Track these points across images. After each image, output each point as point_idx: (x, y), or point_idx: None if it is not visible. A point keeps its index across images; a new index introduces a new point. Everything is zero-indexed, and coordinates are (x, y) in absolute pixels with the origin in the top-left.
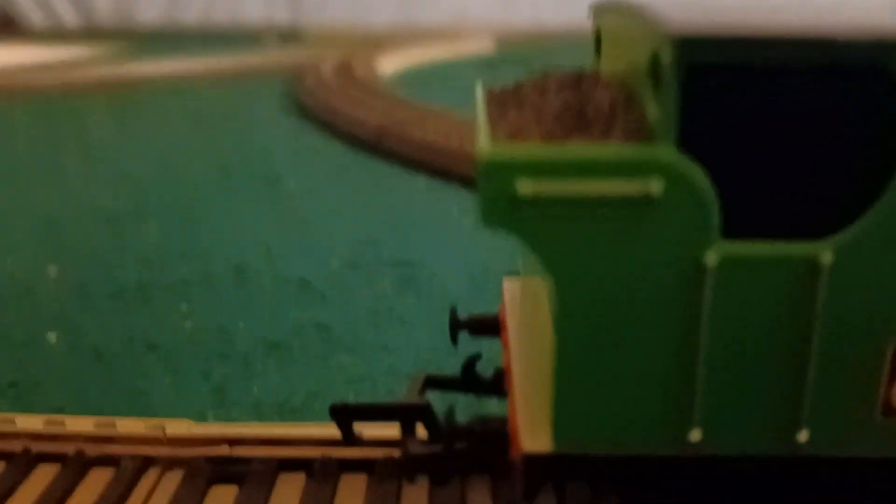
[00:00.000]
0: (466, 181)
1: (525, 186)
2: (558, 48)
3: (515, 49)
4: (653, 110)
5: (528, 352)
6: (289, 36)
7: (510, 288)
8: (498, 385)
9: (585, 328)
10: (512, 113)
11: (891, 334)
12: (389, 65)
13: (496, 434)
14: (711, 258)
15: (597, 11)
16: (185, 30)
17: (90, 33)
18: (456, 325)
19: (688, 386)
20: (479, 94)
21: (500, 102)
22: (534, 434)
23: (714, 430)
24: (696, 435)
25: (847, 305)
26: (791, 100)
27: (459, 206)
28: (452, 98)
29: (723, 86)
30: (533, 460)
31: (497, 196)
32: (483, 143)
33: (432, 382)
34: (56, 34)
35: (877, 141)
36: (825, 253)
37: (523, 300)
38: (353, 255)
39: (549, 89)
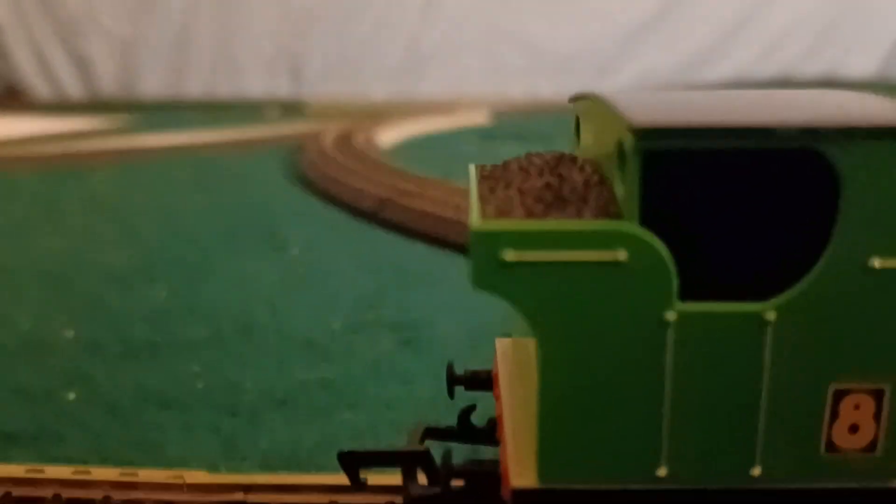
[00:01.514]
0: (462, 248)
1: (510, 255)
2: (551, 119)
3: (510, 120)
4: (619, 190)
5: (517, 401)
6: (290, 108)
7: (502, 346)
8: (491, 433)
9: (566, 376)
10: (499, 191)
11: (830, 380)
12: (388, 136)
13: (489, 474)
14: (671, 315)
15: (575, 100)
16: (188, 102)
17: (94, 105)
18: (452, 380)
19: (655, 427)
20: (471, 171)
21: (489, 179)
22: (522, 471)
23: (678, 467)
24: (662, 471)
25: (790, 356)
26: (736, 179)
27: (456, 270)
28: (449, 168)
29: (676, 168)
30: (521, 494)
31: (487, 262)
32: (474, 217)
33: (431, 433)
34: (60, 105)
35: (812, 213)
36: (769, 311)
37: (513, 357)
38: (355, 316)
39: (532, 169)
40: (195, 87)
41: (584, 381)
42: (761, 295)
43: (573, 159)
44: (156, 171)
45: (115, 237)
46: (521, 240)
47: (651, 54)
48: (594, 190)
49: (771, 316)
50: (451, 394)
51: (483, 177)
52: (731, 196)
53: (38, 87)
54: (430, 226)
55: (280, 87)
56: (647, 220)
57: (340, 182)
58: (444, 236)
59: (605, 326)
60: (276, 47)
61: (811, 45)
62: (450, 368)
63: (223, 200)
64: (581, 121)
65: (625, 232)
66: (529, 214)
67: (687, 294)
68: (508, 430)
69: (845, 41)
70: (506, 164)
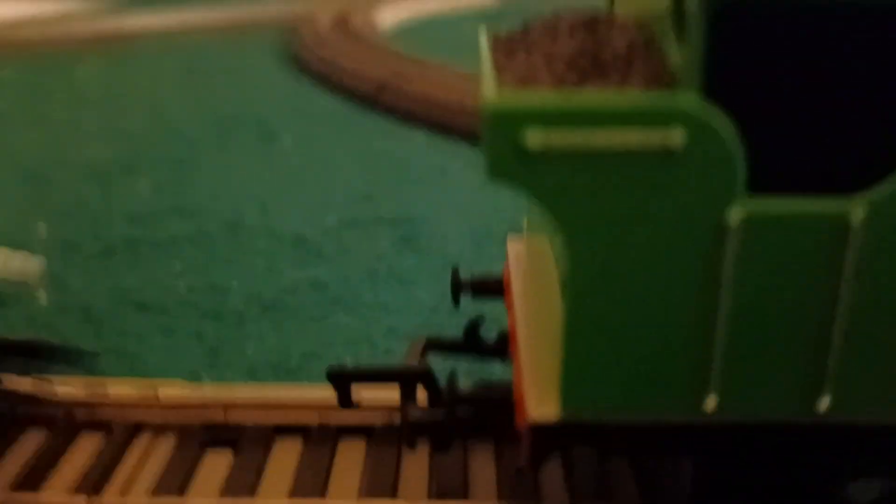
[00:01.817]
0: (467, 136)
1: (535, 137)
2: (561, 2)
3: (518, 1)
4: (675, 55)
5: (534, 315)
6: None
7: (515, 247)
8: (502, 348)
9: (598, 289)
10: (520, 58)
11: None
12: (388, 17)
13: (500, 401)
14: (735, 214)
15: None
16: None
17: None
18: (458, 286)
19: (705, 351)
20: (483, 39)
21: (507, 48)
22: (541, 401)
23: (730, 397)
24: (711, 402)
25: (878, 266)
26: (827, 43)
27: (460, 161)
28: (453, 51)
29: (752, 29)
30: (540, 429)
31: (504, 148)
32: (488, 90)
33: (434, 345)
34: None
35: None
36: (857, 209)
37: (529, 260)
38: (350, 212)
39: (560, 31)
40: None
41: (621, 293)
42: (845, 191)
43: (611, 19)
44: (143, 61)
45: (99, 131)
46: (550, 117)
47: None
48: (640, 56)
49: (858, 216)
50: (456, 301)
51: (499, 44)
52: (814, 67)
53: None
54: (431, 111)
55: None
56: (710, 94)
57: (337, 65)
58: (446, 123)
59: (650, 227)
60: None
61: None
62: (455, 273)
63: (213, 90)
64: None
65: (683, 108)
66: (559, 84)
67: (754, 187)
68: (524, 348)
69: None
70: (527, 27)
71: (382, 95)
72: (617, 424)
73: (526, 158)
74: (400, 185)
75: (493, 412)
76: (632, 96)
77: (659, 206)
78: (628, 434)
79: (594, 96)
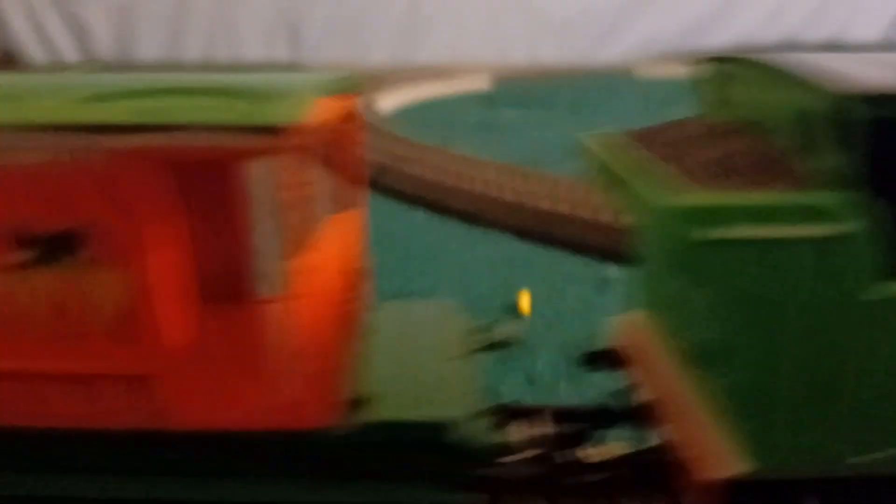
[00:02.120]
0: (463, 215)
1: (706, 232)
2: (552, 85)
3: (511, 86)
4: (820, 159)
5: (679, 384)
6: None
7: (624, 325)
8: (639, 416)
9: (762, 360)
10: (659, 164)
11: None
12: (388, 102)
13: (661, 462)
14: (873, 295)
15: (708, 62)
16: (186, 67)
17: (90, 68)
18: (583, 360)
19: (859, 413)
20: (592, 143)
21: (631, 151)
22: (719, 460)
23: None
24: (854, 458)
25: None
26: None
27: (457, 239)
28: (449, 134)
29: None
30: (720, 485)
31: (677, 241)
32: (655, 193)
33: (565, 415)
34: (56, 69)
35: None
36: None
37: (643, 337)
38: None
39: (689, 140)
40: (193, 51)
41: (781, 363)
42: None
43: (726, 128)
44: None
45: None
46: (720, 216)
47: (653, 20)
48: (772, 160)
49: None
50: (586, 372)
51: (621, 149)
52: None
53: (35, 52)
54: (429, 192)
55: (279, 52)
56: (861, 190)
57: None
58: (443, 203)
59: (807, 306)
60: (274, 12)
61: (814, 10)
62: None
63: None
64: (719, 85)
65: (831, 204)
66: (717, 188)
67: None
68: (682, 414)
69: (850, 6)
70: (642, 136)
71: (383, 177)
72: (793, 478)
73: (697, 250)
74: (400, 262)
75: (656, 473)
76: (794, 196)
77: (815, 286)
78: (805, 485)
79: (760, 197)
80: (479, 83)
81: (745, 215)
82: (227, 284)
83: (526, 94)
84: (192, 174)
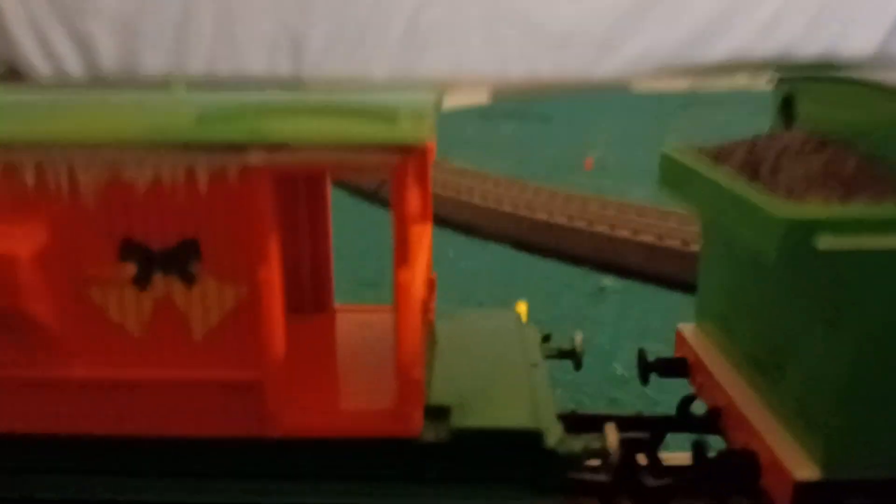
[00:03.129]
0: (462, 227)
1: (826, 242)
2: (550, 99)
3: (510, 99)
4: None
5: (746, 391)
6: (291, 87)
7: (689, 334)
8: (712, 423)
9: (870, 367)
10: (765, 176)
11: None
12: None
13: (743, 465)
14: None
15: (784, 82)
16: (189, 80)
17: (95, 83)
18: (646, 366)
19: None
20: (676, 154)
21: (726, 163)
22: (802, 463)
23: None
24: None
25: None
26: None
27: (457, 249)
28: (448, 147)
29: None
30: (805, 487)
31: (797, 250)
32: (774, 204)
33: (639, 422)
34: (61, 83)
35: None
36: None
37: (708, 344)
38: (354, 298)
39: (788, 153)
40: (196, 65)
41: (883, 370)
42: None
43: (819, 141)
44: None
45: None
46: (837, 226)
47: (649, 33)
48: (871, 172)
49: None
50: (644, 379)
51: (716, 160)
52: None
53: (39, 66)
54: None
55: (280, 66)
56: None
57: None
58: (443, 216)
59: None
60: (277, 26)
61: (810, 23)
62: (642, 355)
63: None
64: (798, 100)
65: None
66: (827, 200)
67: None
68: (755, 421)
69: (844, 20)
70: (723, 151)
71: (383, 190)
72: (877, 481)
73: (815, 258)
74: None
75: (740, 475)
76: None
77: None
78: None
79: (869, 208)
80: (477, 97)
81: (865, 226)
82: (307, 294)
83: (524, 107)
84: (290, 189)
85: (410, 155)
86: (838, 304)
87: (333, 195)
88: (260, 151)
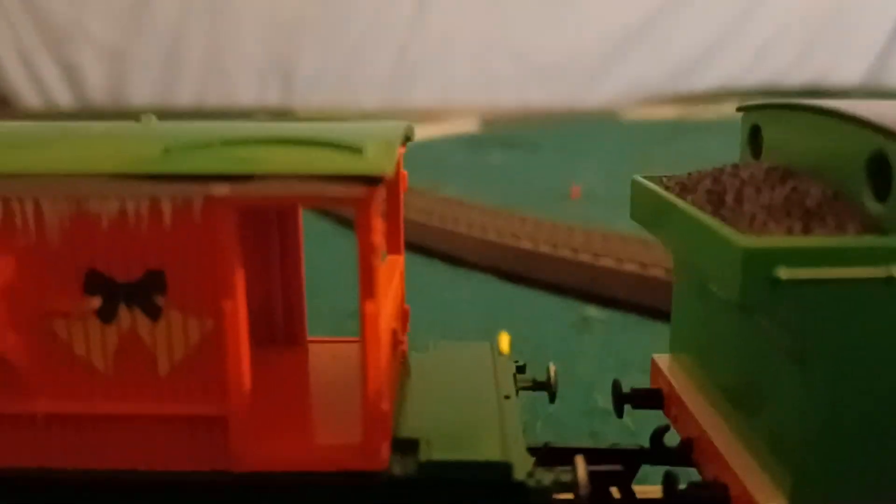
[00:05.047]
0: (446, 258)
1: (785, 272)
2: (539, 128)
3: (499, 128)
4: (872, 203)
5: (718, 423)
6: (281, 116)
7: (664, 364)
8: (684, 454)
9: (834, 399)
10: (729, 207)
11: None
12: None
13: (713, 498)
14: None
15: (749, 109)
16: (178, 111)
17: (83, 114)
18: (621, 398)
19: None
20: (647, 185)
21: (691, 194)
22: (771, 496)
23: None
24: None
25: None
26: None
27: (439, 278)
28: (437, 176)
29: None
30: None
31: (757, 281)
32: (732, 234)
33: (614, 455)
34: (49, 114)
35: None
36: None
37: (683, 375)
38: (339, 328)
39: (750, 184)
40: (185, 95)
41: (852, 403)
42: None
43: (784, 171)
44: None
45: None
46: (798, 257)
47: (639, 63)
48: (837, 204)
49: None
50: (619, 412)
51: (682, 191)
52: None
53: (27, 96)
54: (415, 235)
55: (270, 96)
56: None
57: None
58: (426, 245)
59: (878, 346)
60: (266, 56)
61: (798, 53)
62: (616, 385)
63: None
64: (764, 129)
65: None
66: (789, 231)
67: None
68: (727, 453)
69: (832, 50)
70: (689, 182)
71: None
72: None
73: (775, 290)
74: None
75: None
76: (858, 239)
77: (883, 324)
78: None
79: (836, 240)
80: (467, 125)
81: (827, 257)
82: (279, 327)
83: (513, 136)
84: (260, 221)
85: (376, 186)
86: (804, 337)
87: (318, 225)
88: (223, 182)
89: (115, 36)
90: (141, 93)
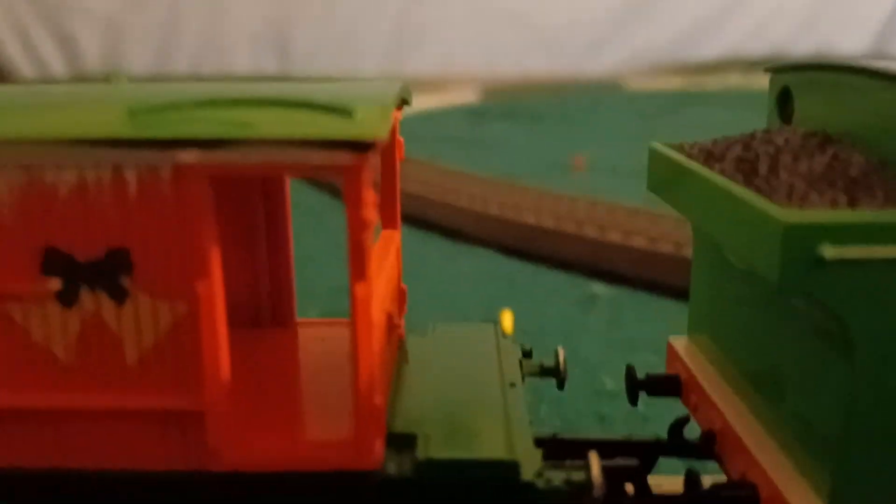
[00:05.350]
0: (445, 231)
1: (830, 251)
2: (541, 97)
3: (499, 98)
4: None
5: (744, 413)
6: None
7: (683, 348)
8: (705, 447)
9: (882, 385)
10: (762, 177)
11: None
12: None
13: (741, 499)
14: None
15: (780, 70)
16: (174, 80)
17: (79, 82)
18: (635, 385)
19: None
20: (668, 152)
21: (720, 162)
22: (806, 498)
23: None
24: None
25: None
26: None
27: (437, 252)
28: (436, 147)
29: None
30: None
31: (799, 260)
32: (772, 208)
33: (628, 448)
34: (44, 83)
35: None
36: None
37: (703, 361)
38: (331, 304)
39: (786, 151)
40: (182, 64)
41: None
42: None
43: (823, 137)
44: None
45: None
46: (845, 234)
47: (642, 31)
48: (885, 172)
49: None
50: (633, 400)
51: (708, 160)
52: None
53: (22, 66)
54: (410, 205)
55: (267, 65)
56: None
57: None
58: (424, 217)
59: None
60: (263, 24)
61: (803, 21)
62: (630, 371)
63: None
64: (796, 92)
65: None
66: (833, 203)
67: None
68: (755, 448)
69: (837, 18)
70: (727, 148)
71: None
72: None
73: (819, 270)
74: None
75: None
76: None
77: None
78: None
79: (881, 213)
80: (467, 95)
81: (878, 234)
82: (265, 308)
83: (514, 106)
84: (238, 192)
85: (366, 153)
86: (849, 322)
87: (313, 197)
88: (193, 148)
89: (110, 6)
90: (137, 63)
